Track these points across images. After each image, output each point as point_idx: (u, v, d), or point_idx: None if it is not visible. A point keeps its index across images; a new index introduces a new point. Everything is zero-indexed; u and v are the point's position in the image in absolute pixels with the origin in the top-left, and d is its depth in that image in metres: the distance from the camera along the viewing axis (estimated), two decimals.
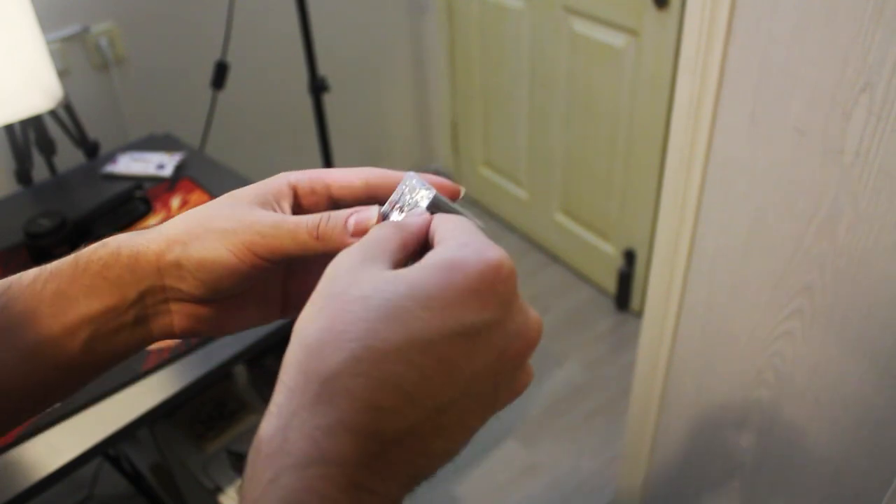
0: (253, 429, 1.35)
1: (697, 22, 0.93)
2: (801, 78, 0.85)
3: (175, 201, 1.40)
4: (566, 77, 2.06)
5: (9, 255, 1.28)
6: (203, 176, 1.47)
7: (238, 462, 1.30)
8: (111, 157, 1.54)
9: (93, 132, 1.66)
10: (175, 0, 1.91)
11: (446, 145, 2.74)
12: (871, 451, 0.98)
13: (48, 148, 1.56)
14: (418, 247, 0.33)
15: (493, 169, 2.58)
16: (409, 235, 0.32)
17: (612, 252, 2.22)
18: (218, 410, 1.37)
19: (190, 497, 1.38)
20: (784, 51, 0.85)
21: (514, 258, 0.35)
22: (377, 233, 0.32)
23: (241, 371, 1.45)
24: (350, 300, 0.28)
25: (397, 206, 0.35)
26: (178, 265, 0.36)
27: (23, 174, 1.55)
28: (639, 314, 2.18)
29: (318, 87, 1.84)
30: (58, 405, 0.56)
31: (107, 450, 1.07)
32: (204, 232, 0.35)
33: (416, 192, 0.35)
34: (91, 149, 1.60)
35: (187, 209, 0.41)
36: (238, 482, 1.28)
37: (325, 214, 0.35)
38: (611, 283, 2.26)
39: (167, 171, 1.47)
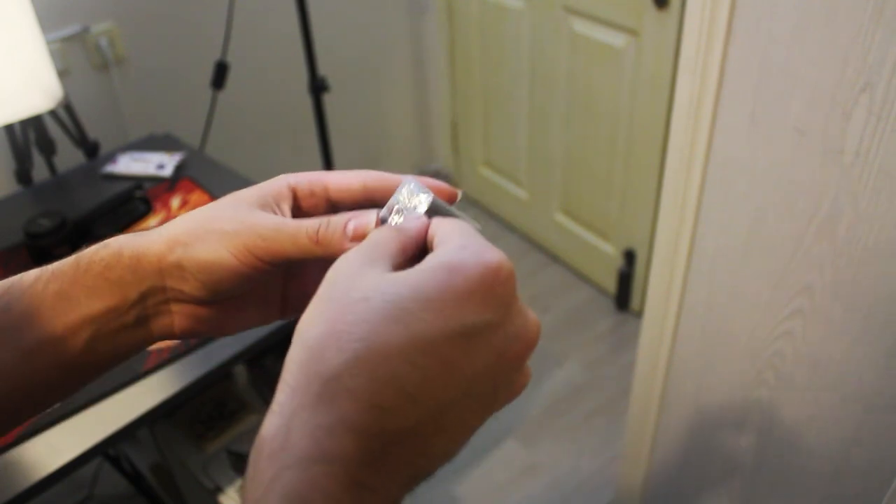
0: (253, 429, 1.35)
1: (697, 22, 0.93)
2: (801, 78, 0.85)
3: (175, 201, 1.40)
4: (566, 77, 2.07)
5: (9, 255, 1.28)
6: (203, 176, 1.47)
7: (238, 462, 1.30)
8: (111, 157, 1.54)
9: (93, 132, 1.66)
10: (175, 0, 1.91)
11: (446, 145, 2.74)
12: (870, 451, 0.98)
13: (48, 148, 1.57)
14: (417, 250, 0.33)
15: (493, 169, 2.58)
16: (408, 239, 0.32)
17: (612, 252, 2.22)
18: (218, 410, 1.37)
19: (190, 497, 1.38)
20: (784, 51, 0.85)
21: (514, 258, 0.35)
22: (376, 236, 0.32)
23: (241, 371, 1.45)
24: (351, 302, 0.28)
25: (396, 210, 0.35)
26: (179, 266, 0.36)
27: (23, 174, 1.55)
28: (639, 314, 2.18)
29: (318, 87, 1.84)
30: (58, 405, 0.56)
31: (107, 450, 1.07)
32: (205, 233, 0.36)
33: (414, 196, 0.35)
34: (91, 149, 1.60)
35: (187, 209, 0.41)
36: (238, 482, 1.28)
37: (324, 219, 0.35)
38: (611, 283, 2.26)
39: (167, 171, 1.47)
